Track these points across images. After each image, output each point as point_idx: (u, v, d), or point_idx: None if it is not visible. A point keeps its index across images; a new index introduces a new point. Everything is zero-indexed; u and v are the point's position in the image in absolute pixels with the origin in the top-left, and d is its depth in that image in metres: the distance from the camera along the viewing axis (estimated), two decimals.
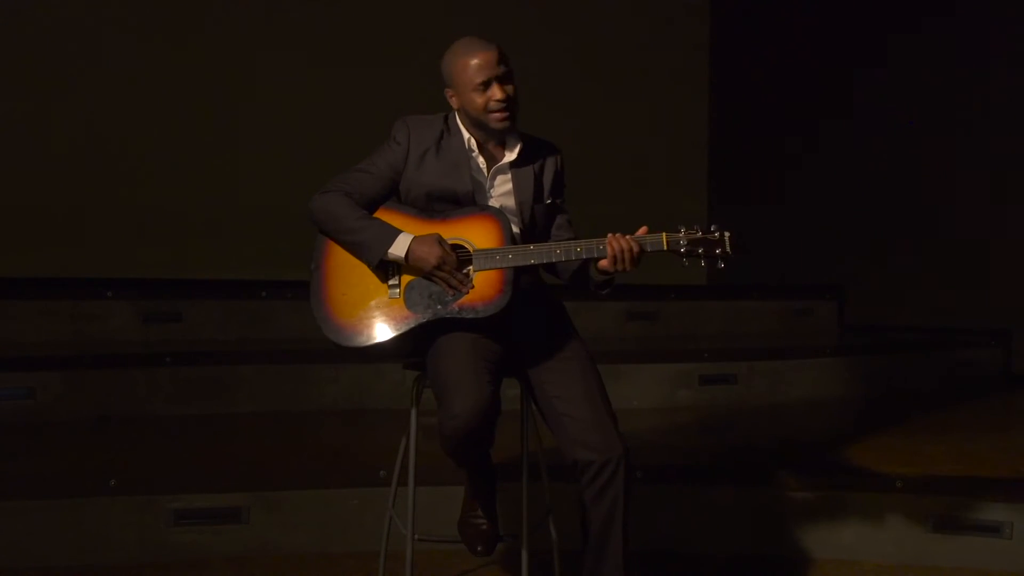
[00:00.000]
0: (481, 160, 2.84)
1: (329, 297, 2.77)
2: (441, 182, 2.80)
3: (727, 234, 2.70)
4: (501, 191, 2.85)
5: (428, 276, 2.72)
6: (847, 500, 3.57)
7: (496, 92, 2.74)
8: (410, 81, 4.54)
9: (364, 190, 2.80)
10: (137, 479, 3.45)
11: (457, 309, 2.70)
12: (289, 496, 3.52)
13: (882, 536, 3.52)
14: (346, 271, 2.77)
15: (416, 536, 2.87)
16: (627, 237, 2.68)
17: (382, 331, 2.72)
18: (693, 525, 3.63)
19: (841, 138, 6.49)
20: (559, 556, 3.00)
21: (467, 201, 2.80)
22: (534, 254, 2.72)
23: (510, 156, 2.84)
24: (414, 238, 2.72)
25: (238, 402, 4.61)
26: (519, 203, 2.84)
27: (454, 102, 2.83)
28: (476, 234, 2.75)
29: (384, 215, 2.79)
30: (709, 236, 2.69)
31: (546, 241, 2.85)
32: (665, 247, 2.70)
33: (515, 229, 2.81)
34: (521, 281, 2.75)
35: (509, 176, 2.85)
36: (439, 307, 2.71)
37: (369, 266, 2.75)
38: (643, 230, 2.70)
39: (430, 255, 2.69)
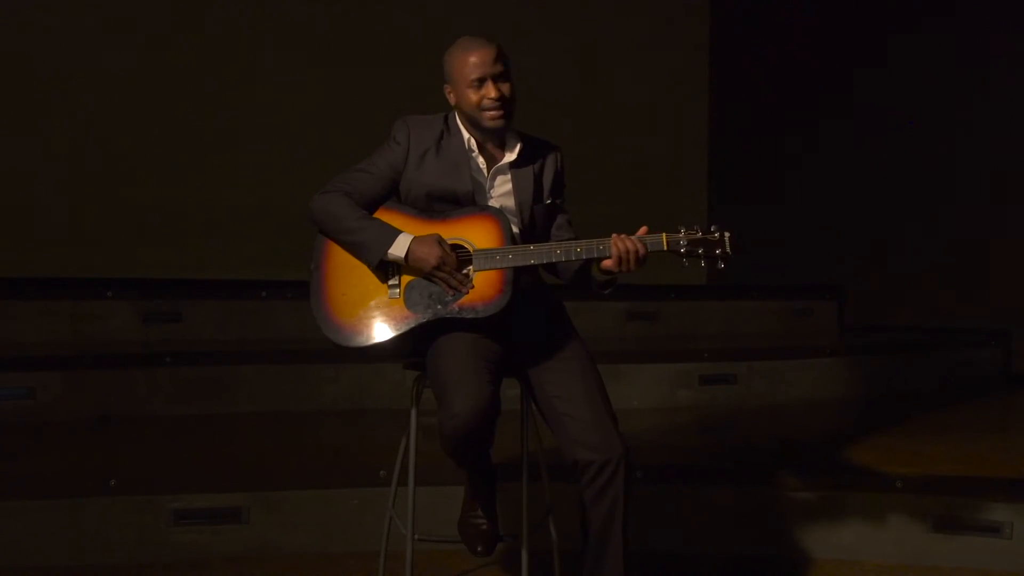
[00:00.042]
0: (481, 160, 2.84)
1: (329, 297, 2.77)
2: (441, 182, 2.80)
3: (727, 234, 2.70)
4: (501, 191, 2.85)
5: (428, 276, 2.72)
6: (847, 500, 3.57)
7: (490, 90, 2.74)
8: (410, 81, 4.53)
9: (364, 190, 2.80)
10: (137, 479, 3.45)
11: (457, 309, 2.70)
12: (289, 496, 3.52)
13: (882, 536, 3.52)
14: (346, 271, 2.77)
15: (416, 536, 2.87)
16: (633, 238, 2.68)
17: (382, 331, 2.72)
18: (693, 525, 3.64)
19: (841, 138, 6.49)
20: (559, 556, 3.00)
21: (467, 201, 2.80)
22: (534, 254, 2.72)
23: (510, 156, 2.84)
24: (414, 238, 2.72)
25: (238, 402, 4.61)
26: (519, 203, 2.84)
27: (451, 98, 2.83)
28: (476, 234, 2.75)
29: (384, 215, 2.79)
30: (709, 236, 2.69)
31: (546, 241, 2.85)
32: (665, 247, 2.70)
33: (515, 229, 2.81)
34: (521, 281, 2.75)
35: (509, 176, 2.85)
36: (439, 307, 2.71)
37: (369, 266, 2.75)
38: (643, 230, 2.70)
39: (430, 255, 2.69)
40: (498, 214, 2.77)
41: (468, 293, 2.70)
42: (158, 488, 3.43)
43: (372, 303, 2.74)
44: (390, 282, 2.75)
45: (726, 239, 2.69)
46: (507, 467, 3.04)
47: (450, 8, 5.81)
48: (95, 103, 5.50)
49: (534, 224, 2.86)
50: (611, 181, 6.01)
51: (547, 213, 2.89)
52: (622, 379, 4.83)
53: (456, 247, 2.73)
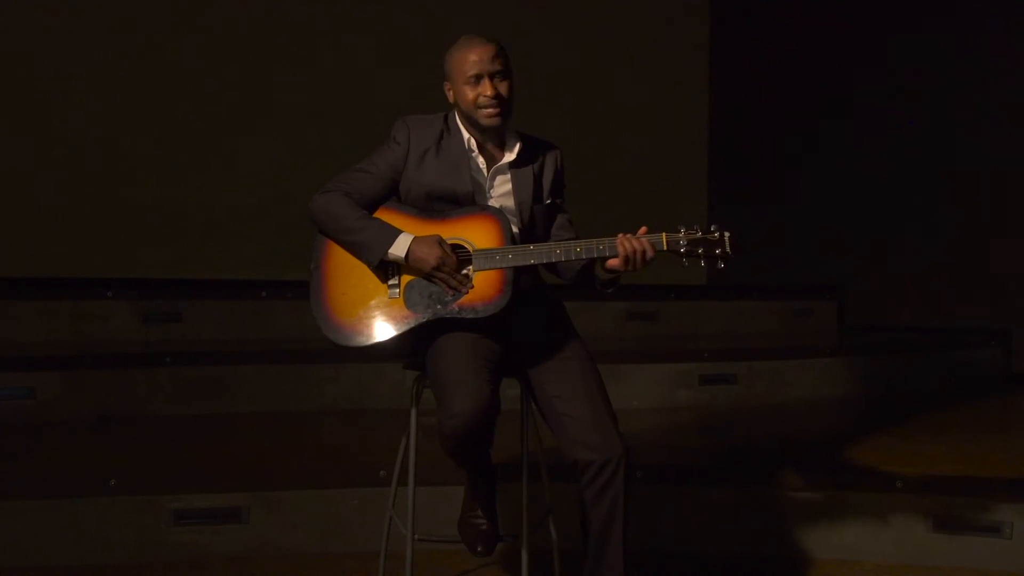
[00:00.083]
0: (481, 160, 2.84)
1: (329, 297, 2.77)
2: (441, 182, 2.80)
3: (727, 234, 2.70)
4: (501, 191, 2.85)
5: (428, 276, 2.72)
6: (847, 500, 3.57)
7: (487, 87, 2.75)
8: (410, 81, 4.54)
9: (364, 190, 2.80)
10: (137, 479, 3.45)
11: (457, 309, 2.70)
12: (289, 496, 3.52)
13: (882, 536, 3.52)
14: (346, 271, 2.77)
15: (416, 536, 2.86)
16: (641, 239, 2.67)
17: (382, 331, 2.72)
18: (693, 525, 3.63)
19: (841, 138, 6.49)
20: (559, 556, 3.00)
21: (467, 201, 2.80)
22: (534, 254, 2.72)
23: (509, 156, 2.84)
24: (414, 238, 2.72)
25: (238, 402, 4.61)
26: (518, 203, 2.84)
27: (450, 96, 2.84)
28: (476, 234, 2.75)
29: (384, 215, 2.79)
30: (709, 236, 2.69)
31: (546, 241, 2.85)
32: (665, 247, 2.70)
33: (515, 229, 2.81)
34: (521, 281, 2.75)
35: (508, 176, 2.85)
36: (439, 307, 2.71)
37: (369, 266, 2.75)
38: (643, 230, 2.70)
39: (430, 256, 2.69)
40: (498, 214, 2.77)
41: (468, 293, 2.70)
42: (158, 488, 3.43)
43: (372, 303, 2.74)
44: (390, 282, 2.75)
45: (726, 239, 2.69)
46: (507, 467, 3.04)
47: (450, 8, 5.81)
48: (95, 103, 5.50)
49: (534, 224, 2.86)
50: (611, 181, 6.01)
51: (547, 213, 2.89)
52: (622, 379, 4.83)
53: (456, 247, 2.73)
